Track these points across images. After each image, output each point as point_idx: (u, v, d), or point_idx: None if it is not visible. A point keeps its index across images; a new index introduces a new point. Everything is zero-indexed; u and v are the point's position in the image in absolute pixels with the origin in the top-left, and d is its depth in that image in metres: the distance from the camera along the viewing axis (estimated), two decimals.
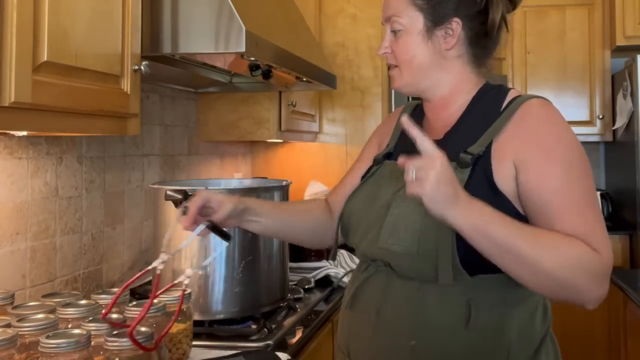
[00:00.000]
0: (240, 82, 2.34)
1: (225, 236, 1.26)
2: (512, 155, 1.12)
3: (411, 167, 0.99)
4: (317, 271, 2.17)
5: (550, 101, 1.19)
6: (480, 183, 1.11)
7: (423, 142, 1.01)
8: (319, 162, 3.17)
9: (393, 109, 3.12)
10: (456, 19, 1.19)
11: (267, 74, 1.84)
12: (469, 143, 1.15)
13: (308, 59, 2.08)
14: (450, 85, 1.23)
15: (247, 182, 2.08)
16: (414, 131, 1.03)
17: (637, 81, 3.31)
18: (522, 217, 1.11)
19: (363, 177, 1.34)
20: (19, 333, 1.03)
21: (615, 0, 3.62)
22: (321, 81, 2.28)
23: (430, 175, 0.97)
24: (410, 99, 2.41)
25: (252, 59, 1.66)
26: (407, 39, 1.21)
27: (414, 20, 1.20)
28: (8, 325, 1.06)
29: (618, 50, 3.73)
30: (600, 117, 3.79)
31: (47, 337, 0.99)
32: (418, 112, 1.33)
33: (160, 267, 1.17)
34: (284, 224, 1.39)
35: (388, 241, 1.14)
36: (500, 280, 1.10)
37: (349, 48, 3.13)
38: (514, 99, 1.18)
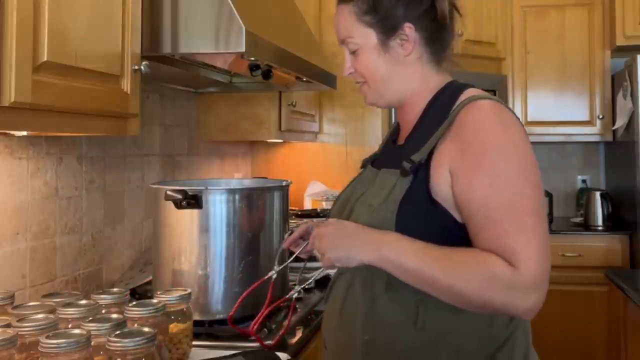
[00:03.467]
0: (240, 82, 2.34)
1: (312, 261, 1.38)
2: (447, 164, 1.11)
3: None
4: (317, 271, 2.17)
5: (497, 102, 1.15)
6: (420, 192, 1.12)
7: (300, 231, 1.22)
8: (319, 162, 3.17)
9: (393, 110, 3.13)
10: (407, 24, 1.19)
11: (267, 74, 1.84)
12: (417, 149, 1.15)
13: (308, 59, 2.08)
14: (413, 90, 1.24)
15: (247, 182, 2.08)
16: (285, 245, 1.32)
17: (637, 81, 3.31)
18: (461, 227, 1.11)
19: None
20: (19, 333, 1.03)
21: (615, 0, 3.62)
22: (321, 81, 2.28)
23: (323, 243, 1.13)
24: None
25: (252, 59, 1.66)
26: (366, 56, 1.22)
27: (367, 37, 1.21)
28: (8, 325, 1.06)
29: (618, 50, 3.73)
30: (600, 117, 3.79)
31: (47, 337, 0.99)
32: None
33: (274, 276, 1.43)
34: None
35: None
36: None
37: None
38: (463, 100, 1.16)
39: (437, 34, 1.23)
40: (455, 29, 1.26)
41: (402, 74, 1.22)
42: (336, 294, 1.26)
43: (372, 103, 1.29)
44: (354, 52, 1.24)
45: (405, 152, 1.17)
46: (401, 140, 1.27)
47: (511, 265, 1.02)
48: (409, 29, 1.19)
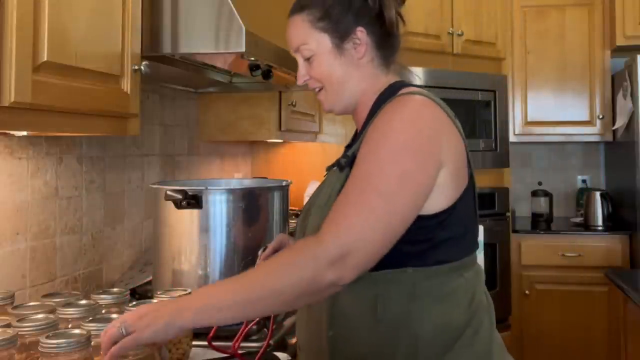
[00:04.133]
0: (240, 82, 2.34)
1: None
2: None
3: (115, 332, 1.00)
4: None
5: (427, 98, 1.16)
6: None
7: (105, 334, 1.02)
8: (319, 162, 3.16)
9: None
10: (359, 28, 1.24)
11: (267, 74, 1.84)
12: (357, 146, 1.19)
13: None
14: (364, 91, 1.27)
15: (247, 182, 2.08)
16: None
17: (637, 81, 3.31)
18: None
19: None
20: (19, 333, 1.03)
21: (615, 0, 3.62)
22: None
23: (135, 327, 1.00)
24: None
25: (252, 59, 1.66)
26: (321, 61, 1.26)
27: (321, 42, 1.25)
28: (8, 325, 1.06)
29: (618, 50, 3.74)
30: (600, 117, 3.79)
31: (47, 337, 0.99)
32: None
33: None
34: None
35: None
36: (407, 274, 1.13)
37: None
38: (396, 95, 1.20)
39: (386, 39, 1.27)
40: (400, 36, 1.31)
41: (356, 77, 1.26)
42: None
43: (330, 109, 1.31)
44: (308, 59, 1.27)
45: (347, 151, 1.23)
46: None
47: (318, 237, 1.04)
48: (360, 32, 1.24)
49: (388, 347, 1.14)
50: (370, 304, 1.15)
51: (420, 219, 1.12)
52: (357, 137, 1.28)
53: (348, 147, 1.31)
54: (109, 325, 1.02)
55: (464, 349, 1.15)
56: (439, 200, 1.13)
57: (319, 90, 1.30)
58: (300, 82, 1.30)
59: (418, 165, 1.09)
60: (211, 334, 1.34)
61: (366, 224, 1.04)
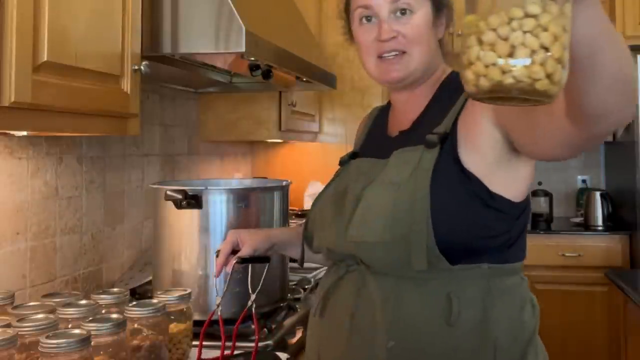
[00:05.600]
0: (240, 82, 2.34)
1: (261, 260, 1.37)
2: (465, 123, 1.09)
3: None
4: (317, 271, 2.17)
5: None
6: (448, 163, 1.06)
7: None
8: (319, 162, 3.17)
9: None
10: (445, 10, 1.22)
11: (267, 74, 1.84)
12: (434, 126, 1.11)
13: (308, 59, 2.08)
14: (434, 71, 1.22)
15: (247, 182, 2.08)
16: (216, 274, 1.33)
17: (637, 81, 3.30)
18: (493, 196, 1.06)
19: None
20: (19, 333, 1.03)
21: (615, 0, 3.62)
22: (321, 81, 2.28)
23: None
24: None
25: (252, 59, 1.66)
26: (420, 22, 1.16)
27: (424, 4, 1.17)
28: (8, 325, 1.06)
29: None
30: None
31: (47, 337, 0.99)
32: (384, 114, 1.34)
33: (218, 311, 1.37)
34: (313, 256, 1.37)
35: (358, 233, 1.08)
36: (482, 271, 1.05)
37: (349, 48, 3.11)
38: None
39: (448, 26, 1.24)
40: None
41: (436, 54, 1.22)
42: (341, 303, 1.13)
43: (403, 77, 1.18)
44: (404, 14, 1.15)
45: (417, 132, 1.12)
46: (404, 126, 1.21)
47: None
48: (444, 15, 1.21)
49: (464, 354, 1.03)
50: (441, 305, 1.03)
51: (508, 205, 1.07)
52: (421, 119, 1.18)
53: (402, 131, 1.20)
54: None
55: (533, 357, 1.08)
56: (522, 191, 1.10)
57: (396, 55, 1.17)
58: (384, 36, 1.16)
59: None
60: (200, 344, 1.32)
61: None
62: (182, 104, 2.46)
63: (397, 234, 1.04)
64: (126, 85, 1.36)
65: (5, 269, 1.49)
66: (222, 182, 1.99)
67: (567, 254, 3.51)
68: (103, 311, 1.22)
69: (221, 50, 1.49)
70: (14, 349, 0.99)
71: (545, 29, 0.55)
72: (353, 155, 1.31)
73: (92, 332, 1.04)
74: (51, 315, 1.11)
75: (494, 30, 0.56)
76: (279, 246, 1.40)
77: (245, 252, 1.34)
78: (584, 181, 4.16)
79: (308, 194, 3.02)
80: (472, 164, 1.06)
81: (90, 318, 1.12)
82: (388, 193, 1.06)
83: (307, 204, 3.00)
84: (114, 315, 1.14)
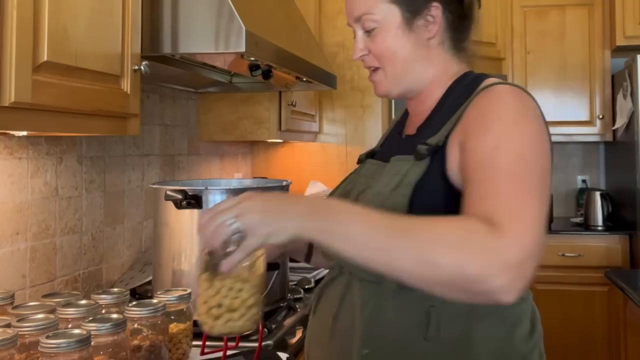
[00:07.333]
0: (240, 82, 2.34)
1: (271, 267, 1.36)
2: (458, 140, 1.02)
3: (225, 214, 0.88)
4: (317, 271, 2.17)
5: (521, 89, 1.06)
6: (436, 176, 1.03)
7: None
8: (319, 162, 3.17)
9: (393, 109, 3.13)
10: (435, 4, 1.12)
11: (267, 74, 1.84)
12: (433, 134, 1.07)
13: (308, 59, 2.08)
14: (432, 77, 1.15)
15: (247, 182, 2.08)
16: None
17: (637, 81, 3.31)
18: None
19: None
20: (19, 333, 1.03)
21: (615, 0, 3.62)
22: (321, 81, 2.28)
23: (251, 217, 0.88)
24: None
25: (252, 59, 1.66)
26: (386, 35, 1.12)
27: (390, 15, 1.11)
28: (8, 325, 1.06)
29: (618, 50, 3.73)
30: (600, 117, 3.79)
31: (47, 337, 0.99)
32: (406, 114, 1.30)
33: None
34: (317, 257, 1.33)
35: None
36: None
37: (349, 48, 3.13)
38: (482, 86, 1.08)
39: (461, 21, 1.15)
40: (476, 19, 1.18)
41: (423, 59, 1.13)
42: (328, 302, 1.13)
43: (384, 93, 1.17)
44: (370, 32, 1.13)
45: (419, 139, 1.08)
46: (411, 131, 1.18)
47: (498, 227, 0.84)
48: (435, 9, 1.12)
49: None
50: (420, 319, 0.99)
51: None
52: (425, 124, 1.14)
53: (409, 136, 1.17)
54: (217, 211, 0.88)
55: None
56: None
57: (374, 70, 1.16)
58: (356, 56, 1.15)
59: (549, 160, 0.99)
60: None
61: (538, 226, 0.86)
62: (182, 104, 2.46)
63: None
64: (126, 85, 1.36)
65: (5, 269, 1.49)
66: (222, 182, 1.99)
67: (567, 254, 3.51)
68: (103, 311, 1.22)
69: (221, 50, 1.49)
70: (14, 349, 0.99)
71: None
72: (371, 154, 1.27)
73: (92, 332, 1.04)
74: (51, 315, 1.11)
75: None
76: (288, 253, 1.37)
77: None
78: (584, 181, 4.16)
79: (308, 194, 3.02)
80: (459, 182, 1.02)
81: (90, 318, 1.12)
82: (376, 203, 1.03)
83: None
84: (114, 315, 1.14)
